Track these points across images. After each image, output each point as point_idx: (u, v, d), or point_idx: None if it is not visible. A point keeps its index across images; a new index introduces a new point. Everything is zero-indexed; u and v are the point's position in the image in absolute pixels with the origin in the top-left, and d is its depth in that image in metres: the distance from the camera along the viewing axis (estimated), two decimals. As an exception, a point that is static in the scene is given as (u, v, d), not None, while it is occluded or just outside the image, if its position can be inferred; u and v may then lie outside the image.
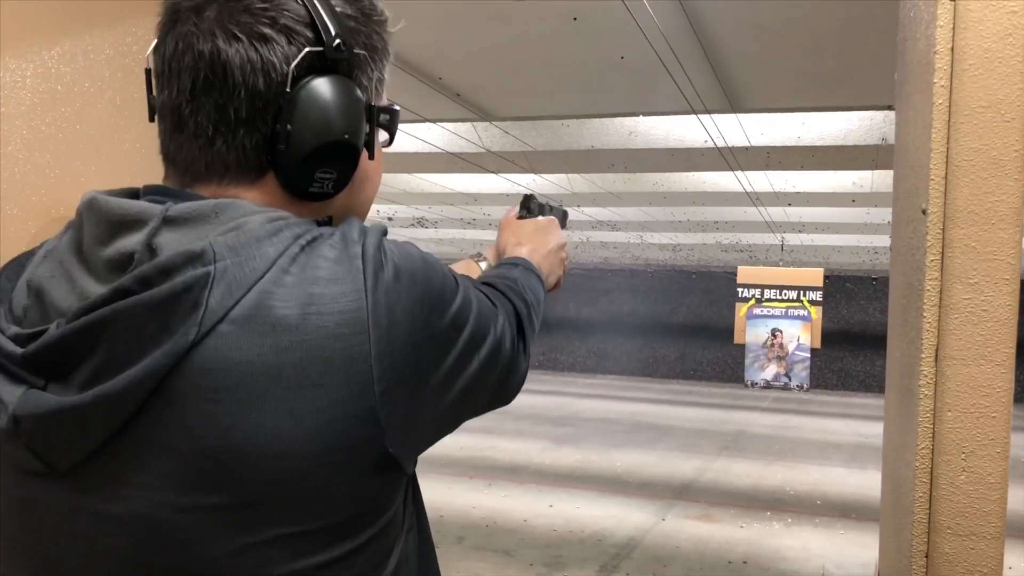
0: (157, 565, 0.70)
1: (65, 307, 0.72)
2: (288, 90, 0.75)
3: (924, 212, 1.18)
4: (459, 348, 0.80)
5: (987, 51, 1.12)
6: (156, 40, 0.78)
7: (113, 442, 0.69)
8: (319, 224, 0.78)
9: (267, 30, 0.74)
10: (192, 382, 0.68)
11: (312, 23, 0.76)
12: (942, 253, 1.17)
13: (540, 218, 1.27)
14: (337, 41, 0.76)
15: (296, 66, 0.75)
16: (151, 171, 1.95)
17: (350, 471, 0.72)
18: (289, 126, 0.75)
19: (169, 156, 0.80)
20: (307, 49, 0.75)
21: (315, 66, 0.76)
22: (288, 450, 0.69)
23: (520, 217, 1.27)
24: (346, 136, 0.78)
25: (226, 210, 0.73)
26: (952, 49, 1.13)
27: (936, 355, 1.20)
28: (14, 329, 0.72)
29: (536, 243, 1.20)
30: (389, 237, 0.80)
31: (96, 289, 0.71)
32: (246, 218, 0.73)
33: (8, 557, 0.76)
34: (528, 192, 1.33)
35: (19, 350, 0.70)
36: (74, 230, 0.77)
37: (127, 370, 0.67)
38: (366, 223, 0.81)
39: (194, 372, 0.68)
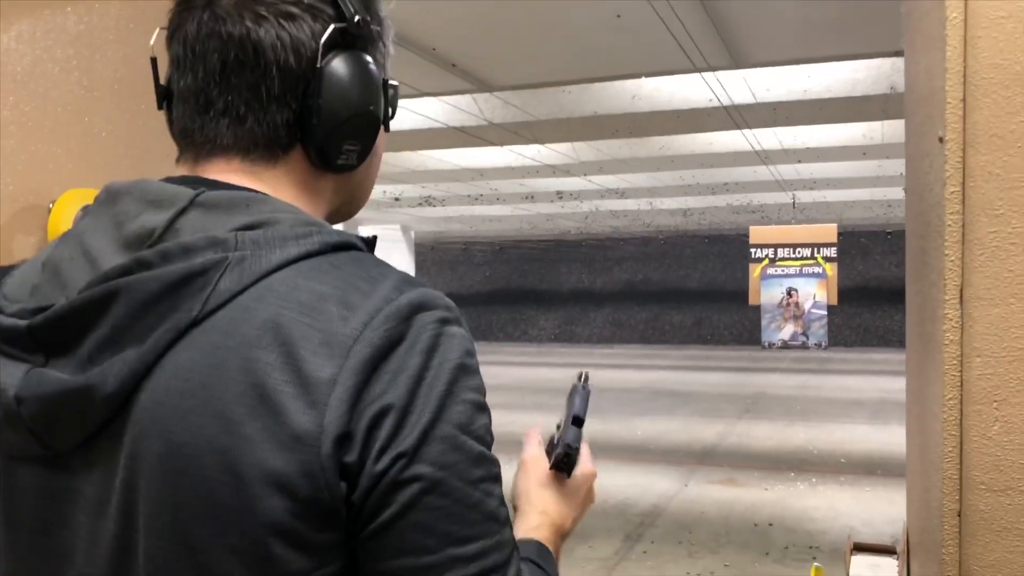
0: None
1: (81, 282, 0.71)
2: (318, 66, 0.77)
3: (941, 140, 1.07)
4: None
5: (1005, -47, 1.02)
6: (172, 27, 0.79)
7: (112, 421, 0.68)
8: (364, 241, 0.77)
9: (292, 8, 0.77)
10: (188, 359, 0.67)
11: (333, 0, 0.78)
12: (963, 184, 1.07)
13: (577, 475, 1.03)
14: (358, 17, 0.79)
15: (324, 42, 0.77)
16: (123, 154, 1.85)
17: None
18: (321, 100, 0.77)
19: (187, 134, 0.80)
20: (333, 26, 0.77)
21: (336, 42, 0.78)
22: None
23: (557, 469, 1.01)
24: (371, 108, 0.81)
25: (257, 204, 0.74)
26: (965, -44, 1.03)
27: (961, 296, 1.10)
28: (16, 305, 0.72)
29: (563, 513, 1.00)
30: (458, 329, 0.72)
31: (113, 261, 0.71)
32: (276, 214, 0.73)
33: None
34: (567, 448, 1.03)
35: (22, 323, 0.70)
36: (92, 216, 0.77)
37: (132, 347, 0.67)
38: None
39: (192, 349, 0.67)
